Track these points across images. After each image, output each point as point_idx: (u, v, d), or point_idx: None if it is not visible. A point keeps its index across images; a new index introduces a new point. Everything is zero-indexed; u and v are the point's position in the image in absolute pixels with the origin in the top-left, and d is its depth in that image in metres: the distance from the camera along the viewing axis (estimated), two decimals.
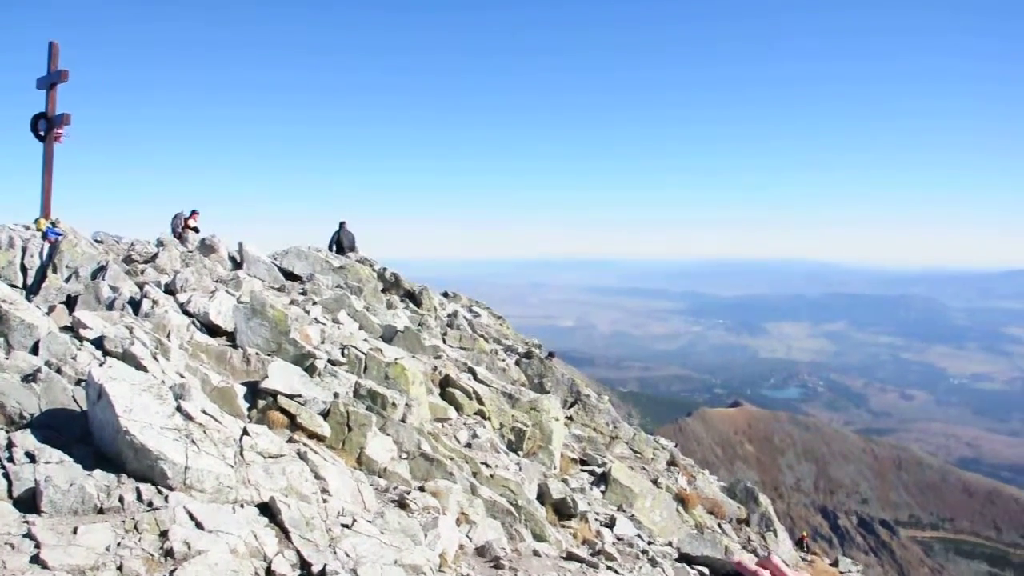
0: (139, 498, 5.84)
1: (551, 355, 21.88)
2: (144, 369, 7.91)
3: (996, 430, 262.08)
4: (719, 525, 15.87)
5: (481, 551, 8.30)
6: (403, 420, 10.20)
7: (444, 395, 13.10)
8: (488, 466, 10.90)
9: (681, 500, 15.37)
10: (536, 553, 8.88)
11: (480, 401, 13.36)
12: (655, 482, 15.58)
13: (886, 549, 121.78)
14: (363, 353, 11.94)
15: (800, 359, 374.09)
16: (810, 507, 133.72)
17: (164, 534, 5.43)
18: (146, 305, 11.12)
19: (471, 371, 14.72)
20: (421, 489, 8.68)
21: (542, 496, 11.71)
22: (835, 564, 18.11)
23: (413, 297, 19.34)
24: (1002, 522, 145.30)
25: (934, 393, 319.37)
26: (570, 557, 9.26)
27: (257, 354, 10.57)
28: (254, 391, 9.28)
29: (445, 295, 22.62)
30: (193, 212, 20.47)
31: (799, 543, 20.52)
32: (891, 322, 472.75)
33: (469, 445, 11.69)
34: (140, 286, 12.24)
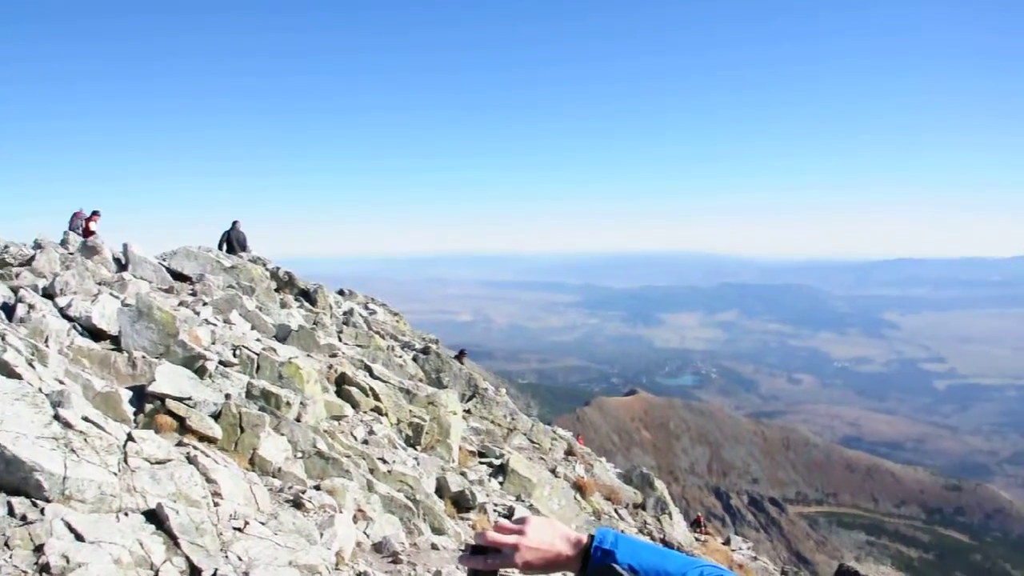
0: (11, 512, 5.52)
1: (463, 353, 21.85)
2: (18, 377, 7.54)
3: (875, 409, 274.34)
4: (616, 511, 16.15)
5: (379, 547, 8.23)
6: (298, 419, 10.03)
7: (340, 393, 12.94)
8: (385, 462, 10.83)
9: (579, 488, 15.57)
10: (435, 546, 8.87)
11: (377, 398, 13.26)
12: (553, 471, 15.75)
13: (775, 525, 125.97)
14: (256, 353, 11.69)
15: (694, 348, 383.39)
16: (704, 489, 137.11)
17: (39, 548, 5.14)
18: (21, 310, 10.60)
19: (367, 368, 14.58)
20: (317, 488, 8.55)
21: (441, 490, 11.69)
22: (727, 542, 18.64)
23: (307, 296, 19.03)
24: (879, 494, 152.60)
25: (819, 376, 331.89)
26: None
27: (144, 357, 10.22)
28: (141, 395, 8.97)
29: (341, 293, 22.34)
30: (94, 213, 19.71)
31: (694, 524, 21.08)
32: (779, 310, 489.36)
33: (366, 442, 11.58)
34: (14, 290, 11.68)
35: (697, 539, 17.84)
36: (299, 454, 9.43)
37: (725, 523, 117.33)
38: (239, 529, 6.45)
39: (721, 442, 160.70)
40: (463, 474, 13.12)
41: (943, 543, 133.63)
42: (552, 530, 1.95)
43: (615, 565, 1.88)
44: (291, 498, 7.95)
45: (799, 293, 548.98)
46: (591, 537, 1.97)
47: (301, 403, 10.39)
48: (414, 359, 18.17)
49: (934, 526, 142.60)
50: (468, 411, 17.48)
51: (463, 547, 7.34)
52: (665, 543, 14.75)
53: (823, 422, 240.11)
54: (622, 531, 10.15)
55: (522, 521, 1.93)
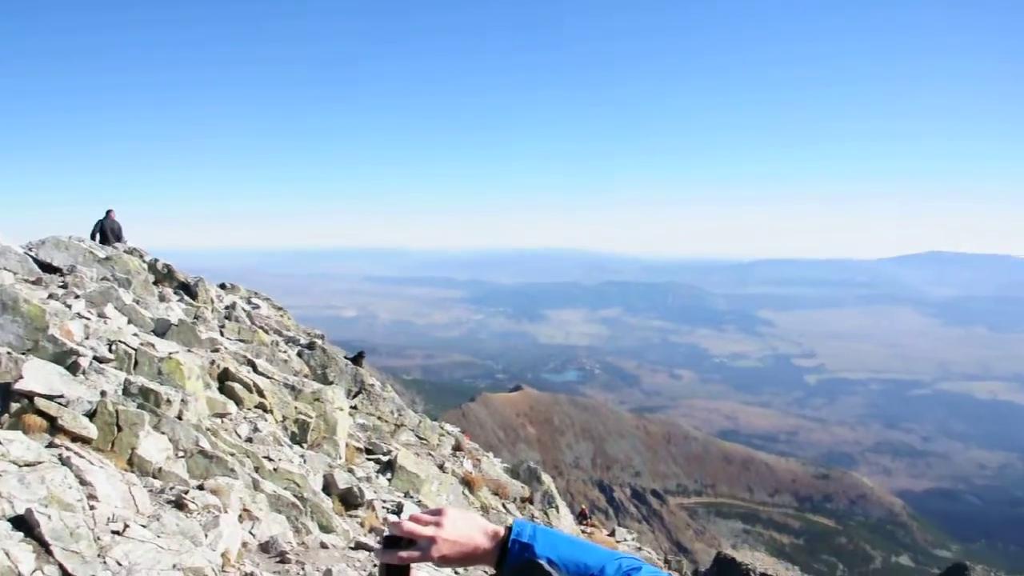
0: None
1: (361, 355, 21.49)
2: None
3: (751, 403, 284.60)
4: (504, 505, 16.22)
5: (266, 547, 8.02)
6: (179, 417, 9.66)
7: (223, 389, 12.54)
8: (271, 460, 10.57)
9: (467, 483, 15.56)
10: (323, 545, 8.70)
11: (261, 394, 12.92)
12: (441, 467, 15.69)
13: (657, 516, 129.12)
14: (133, 348, 11.21)
15: (578, 344, 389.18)
16: (588, 482, 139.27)
17: None
18: None
19: (251, 364, 14.19)
20: (200, 488, 8.25)
21: (328, 487, 11.50)
22: (612, 534, 18.94)
23: (188, 289, 18.37)
24: (754, 484, 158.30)
25: (699, 372, 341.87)
26: (358, 547, 9.14)
27: (9, 353, 9.65)
28: (6, 394, 8.46)
29: (223, 286, 21.66)
30: None
31: (580, 517, 21.36)
32: (660, 308, 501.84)
33: (251, 439, 11.27)
34: None
35: (583, 531, 18.07)
36: (181, 453, 9.08)
37: (609, 515, 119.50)
38: (118, 533, 6.13)
39: (605, 437, 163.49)
40: (351, 471, 12.93)
41: (812, 528, 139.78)
42: (470, 522, 1.93)
43: (534, 558, 1.85)
44: (173, 499, 7.64)
45: (680, 291, 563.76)
46: (509, 529, 1.94)
47: (182, 400, 10.01)
48: (299, 355, 17.80)
49: (804, 513, 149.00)
50: (355, 407, 17.25)
51: (378, 540, 7.28)
52: None
53: (702, 416, 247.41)
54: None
55: (439, 512, 1.92)
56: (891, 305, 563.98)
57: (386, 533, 1.89)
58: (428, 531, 1.87)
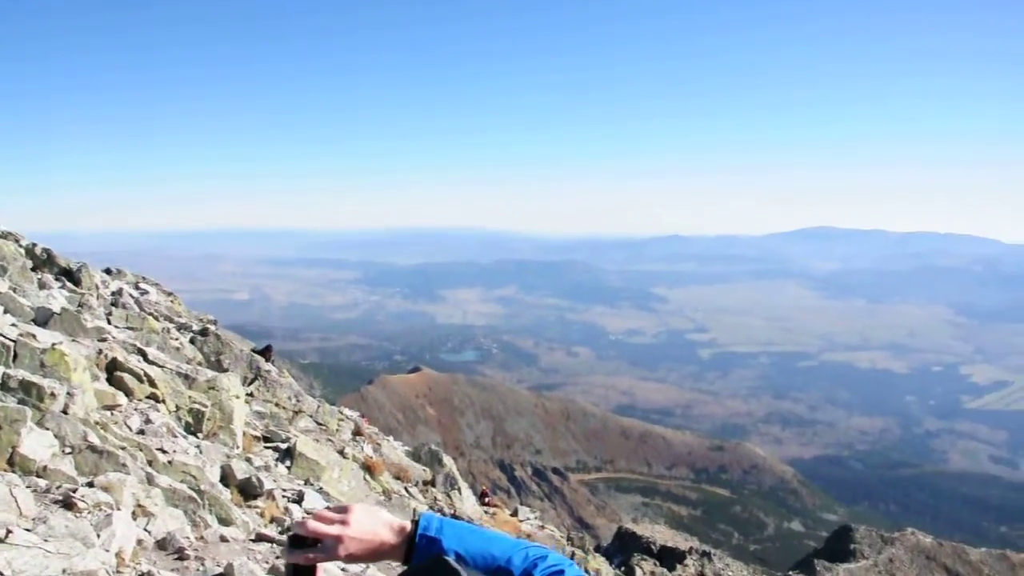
0: None
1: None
2: None
3: (647, 378, 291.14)
4: (406, 489, 16.12)
5: (163, 543, 7.72)
6: (65, 411, 9.20)
7: (112, 380, 12.03)
8: (165, 452, 10.19)
9: (368, 468, 15.40)
10: (223, 538, 8.45)
11: (153, 384, 12.45)
12: (341, 452, 15.48)
13: (558, 493, 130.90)
14: (12, 340, 10.62)
15: (475, 323, 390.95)
16: (490, 462, 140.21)
17: None
18: None
19: (141, 353, 13.65)
20: (90, 485, 7.86)
21: (226, 478, 11.18)
22: (515, 514, 19.05)
23: (70, 275, 17.52)
24: (652, 458, 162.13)
25: (595, 349, 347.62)
26: (260, 539, 8.92)
27: None
28: None
29: (108, 272, 20.76)
30: None
31: (481, 497, 21.41)
32: (556, 286, 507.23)
33: (143, 432, 10.85)
34: None
35: (486, 512, 18.13)
36: (68, 449, 8.64)
37: (511, 494, 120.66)
38: (0, 540, 5.79)
39: (504, 416, 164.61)
40: (249, 460, 12.62)
41: (709, 499, 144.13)
42: (376, 518, 1.92)
43: (441, 553, 1.84)
44: (60, 498, 7.24)
45: (574, 269, 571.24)
46: (416, 524, 1.93)
47: (68, 393, 9.53)
48: (191, 341, 17.25)
49: (701, 484, 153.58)
50: (251, 394, 16.85)
51: (285, 539, 7.16)
52: (456, 518, 14.87)
53: (600, 392, 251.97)
54: (414, 508, 10.10)
55: (344, 510, 1.90)
56: (778, 280, 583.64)
57: (291, 533, 1.87)
58: (334, 530, 1.84)
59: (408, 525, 1.95)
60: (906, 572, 51.70)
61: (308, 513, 11.43)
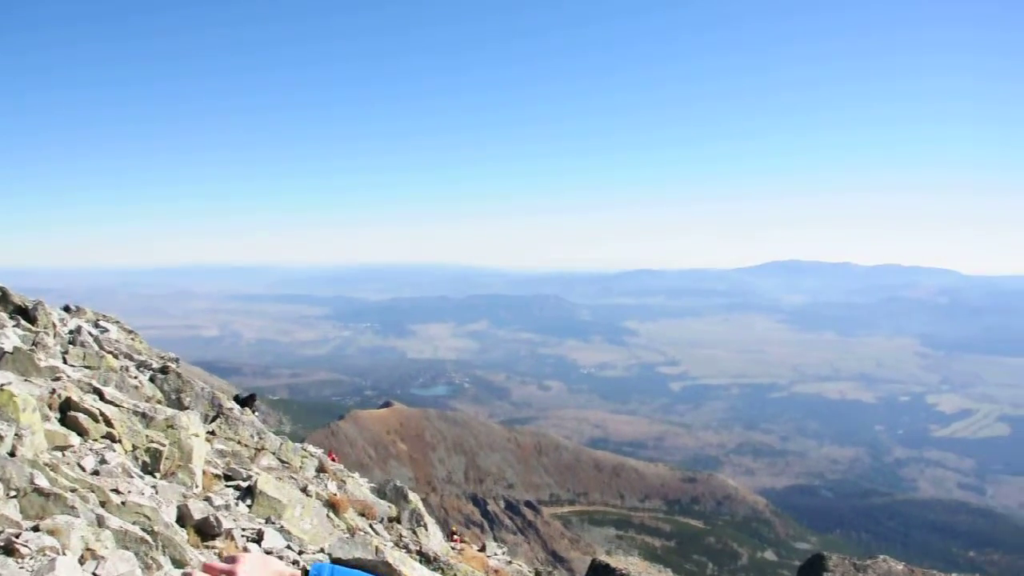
0: None
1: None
2: None
3: (619, 411, 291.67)
4: (371, 526, 15.91)
5: None
6: (11, 453, 9.00)
7: (65, 420, 11.80)
8: (119, 493, 9.98)
9: (332, 505, 15.20)
10: None
11: (109, 423, 12.22)
12: (304, 490, 15.25)
13: (532, 527, 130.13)
14: None
15: (447, 358, 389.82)
16: (462, 497, 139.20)
17: None
18: None
19: (98, 392, 13.42)
20: (35, 529, 7.66)
21: (183, 518, 10.95)
22: (483, 549, 18.89)
23: (25, 313, 17.23)
24: (625, 490, 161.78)
25: (567, 382, 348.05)
26: None
27: None
28: None
29: (66, 309, 20.44)
30: None
31: (450, 534, 21.23)
32: (527, 320, 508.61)
33: (97, 472, 10.63)
34: None
35: (453, 548, 17.94)
36: (13, 492, 8.43)
37: (484, 529, 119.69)
38: None
39: (476, 450, 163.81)
40: (208, 500, 12.39)
41: (682, 531, 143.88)
42: (264, 568, 1.87)
43: None
44: (2, 544, 7.05)
45: (546, 303, 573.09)
46: (305, 572, 1.91)
47: (16, 435, 9.33)
48: (152, 380, 16.99)
49: (674, 516, 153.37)
50: (212, 432, 16.59)
51: None
52: (422, 554, 14.75)
53: (572, 426, 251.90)
54: (376, 546, 9.91)
55: (233, 560, 1.86)
56: (747, 313, 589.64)
57: None
58: None
59: (298, 574, 1.91)
60: None
61: (269, 552, 11.26)
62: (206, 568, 1.90)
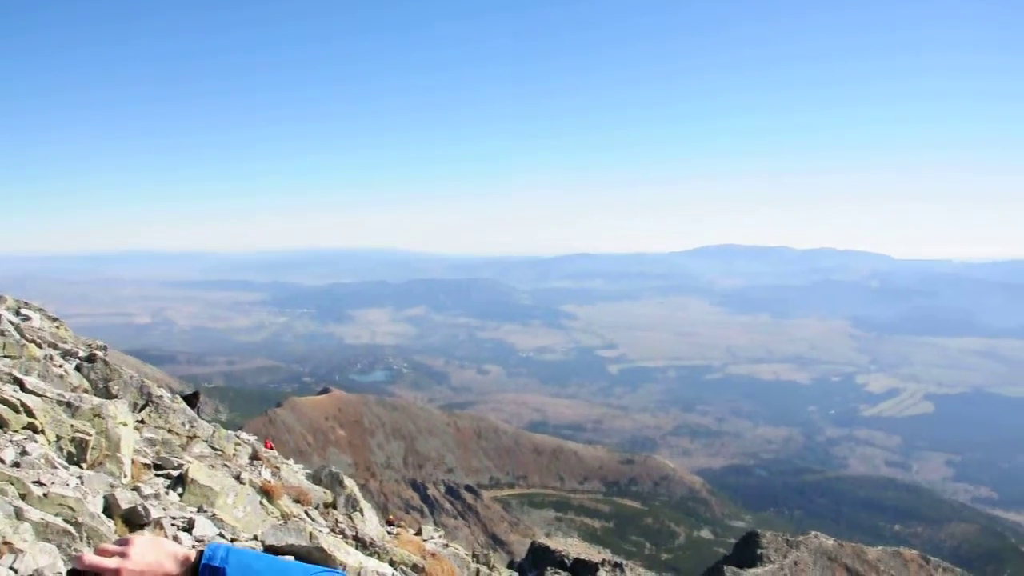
0: None
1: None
2: None
3: (558, 395, 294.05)
4: (307, 512, 15.79)
5: None
6: None
7: None
8: (41, 484, 9.73)
9: (265, 493, 15.03)
10: None
11: (31, 414, 11.90)
12: (238, 478, 15.06)
13: (472, 511, 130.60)
14: None
15: (385, 343, 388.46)
16: (402, 482, 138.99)
17: None
18: None
19: (18, 382, 13.06)
20: None
21: (110, 508, 10.73)
22: (419, 533, 18.88)
23: None
24: (564, 473, 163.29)
25: (506, 366, 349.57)
26: None
27: None
28: None
29: None
30: None
31: (388, 522, 21.18)
32: (466, 305, 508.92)
33: (17, 464, 10.34)
34: None
35: (389, 532, 17.92)
36: None
37: (424, 514, 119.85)
38: None
39: (415, 435, 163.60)
40: (137, 489, 12.15)
41: (620, 512, 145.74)
42: (158, 549, 1.90)
43: None
44: None
45: (484, 287, 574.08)
46: (200, 554, 1.93)
47: None
48: (77, 368, 16.58)
49: (612, 497, 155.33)
50: (142, 421, 16.27)
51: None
52: (358, 539, 14.70)
53: (511, 410, 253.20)
54: (310, 532, 9.84)
55: (125, 542, 1.89)
56: (684, 296, 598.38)
57: (69, 568, 1.86)
58: (112, 563, 1.83)
59: (193, 555, 1.93)
60: (810, 574, 53.36)
61: (200, 540, 11.10)
62: (99, 551, 1.90)
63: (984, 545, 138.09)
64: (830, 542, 59.88)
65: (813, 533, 62.22)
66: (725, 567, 51.82)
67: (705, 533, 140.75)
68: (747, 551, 57.89)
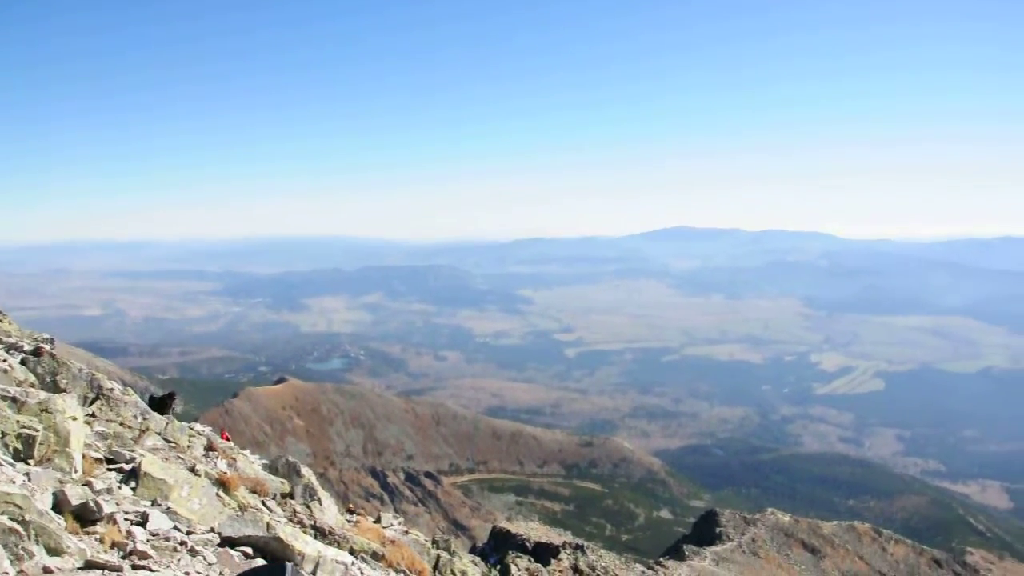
0: None
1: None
2: None
3: (516, 379, 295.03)
4: (263, 503, 15.61)
5: None
6: None
7: None
8: None
9: (222, 484, 14.83)
10: (47, 570, 7.91)
11: None
12: (192, 470, 14.83)
13: (432, 498, 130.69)
14: None
15: (341, 331, 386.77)
16: (361, 470, 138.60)
17: None
18: None
19: None
20: None
21: (59, 505, 10.49)
22: (378, 520, 18.78)
23: None
24: (524, 457, 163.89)
25: (463, 352, 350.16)
26: (89, 566, 8.40)
27: None
28: None
29: None
30: None
31: (348, 511, 21.03)
32: (422, 291, 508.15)
33: None
34: None
35: (349, 521, 17.81)
36: None
37: (384, 501, 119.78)
38: None
39: (374, 423, 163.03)
40: (88, 484, 11.90)
41: (580, 494, 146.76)
42: None
43: None
44: None
45: (440, 273, 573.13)
46: None
47: None
48: (23, 363, 16.20)
49: (572, 480, 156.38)
50: (92, 415, 15.96)
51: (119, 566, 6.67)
52: (316, 529, 14.59)
53: (469, 395, 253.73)
54: (267, 523, 9.71)
55: None
56: (640, 279, 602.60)
57: None
58: None
59: None
60: (767, 550, 54.28)
61: (155, 534, 10.91)
62: None
63: (933, 516, 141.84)
64: (786, 518, 61.01)
65: (770, 510, 63.34)
66: (685, 546, 52.49)
67: (664, 513, 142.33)
68: (706, 529, 58.71)
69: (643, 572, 41.40)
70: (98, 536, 10.23)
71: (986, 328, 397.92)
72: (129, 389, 18.65)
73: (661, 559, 48.50)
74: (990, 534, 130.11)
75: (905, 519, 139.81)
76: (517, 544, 40.99)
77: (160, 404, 19.09)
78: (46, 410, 12.71)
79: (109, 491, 12.19)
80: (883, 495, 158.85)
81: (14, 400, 12.56)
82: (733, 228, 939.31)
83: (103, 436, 15.25)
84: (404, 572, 14.76)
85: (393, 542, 16.40)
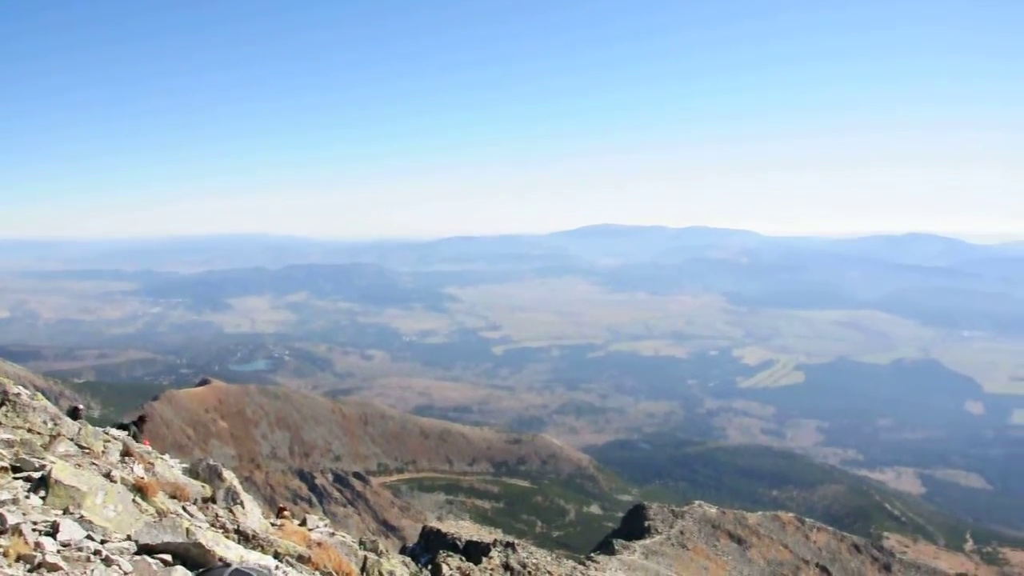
0: None
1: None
2: None
3: (443, 377, 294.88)
4: (184, 508, 15.03)
5: None
6: None
7: None
8: None
9: (139, 490, 14.20)
10: None
11: None
12: (108, 476, 14.19)
13: (361, 499, 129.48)
14: None
15: (265, 331, 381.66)
16: (288, 472, 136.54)
17: None
18: None
19: None
20: None
21: None
22: (303, 523, 18.34)
23: None
24: (453, 456, 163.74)
25: (390, 351, 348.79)
26: None
27: None
28: None
29: None
30: None
31: (279, 512, 20.49)
32: (348, 289, 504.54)
33: None
34: None
35: (273, 524, 17.29)
36: None
37: (312, 503, 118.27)
38: None
39: (300, 424, 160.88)
40: None
41: (510, 491, 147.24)
42: None
43: None
44: None
45: (365, 272, 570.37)
46: None
47: None
48: None
49: (502, 477, 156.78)
50: None
51: None
52: (240, 533, 14.06)
53: (397, 394, 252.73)
54: (187, 528, 9.18)
55: None
56: (565, 276, 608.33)
57: None
58: None
59: None
60: (696, 542, 55.04)
61: (66, 545, 10.31)
62: None
63: (853, 504, 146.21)
64: (713, 510, 61.97)
65: (697, 502, 64.32)
66: (614, 540, 52.80)
67: (594, 508, 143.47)
68: (635, 523, 59.22)
69: (574, 568, 41.41)
70: (2, 549, 9.65)
71: (898, 321, 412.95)
72: (39, 394, 17.83)
73: (591, 554, 48.73)
74: (905, 518, 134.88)
75: (826, 507, 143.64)
76: (448, 543, 40.70)
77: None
78: None
79: (15, 501, 11.55)
80: (805, 485, 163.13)
81: None
82: (656, 225, 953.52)
83: (9, 443, 14.50)
84: (331, 574, 14.37)
85: (319, 544, 15.96)
